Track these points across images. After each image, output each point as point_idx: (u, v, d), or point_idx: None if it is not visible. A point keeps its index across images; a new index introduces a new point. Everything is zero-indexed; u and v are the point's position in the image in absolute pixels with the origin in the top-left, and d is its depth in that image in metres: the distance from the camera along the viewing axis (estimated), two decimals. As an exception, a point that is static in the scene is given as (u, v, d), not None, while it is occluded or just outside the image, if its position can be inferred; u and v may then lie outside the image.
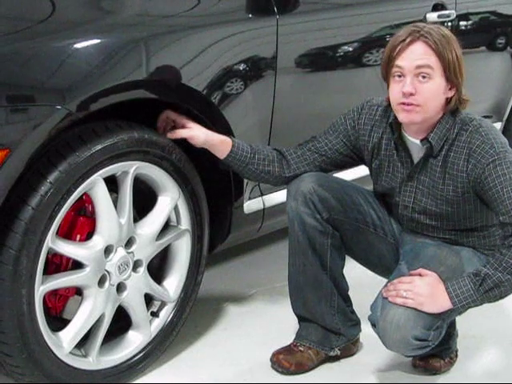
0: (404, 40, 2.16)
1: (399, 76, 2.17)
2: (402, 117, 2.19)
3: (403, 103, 2.16)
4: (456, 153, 2.20)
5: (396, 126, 2.26)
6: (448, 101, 2.20)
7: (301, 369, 2.42)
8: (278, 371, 2.41)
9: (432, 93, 2.16)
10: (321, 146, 2.40)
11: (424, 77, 2.15)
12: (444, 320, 2.21)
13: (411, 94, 2.14)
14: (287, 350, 2.45)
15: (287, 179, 2.39)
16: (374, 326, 2.24)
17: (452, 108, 2.21)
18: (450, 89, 2.18)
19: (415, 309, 2.16)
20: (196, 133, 2.29)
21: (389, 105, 2.26)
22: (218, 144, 2.34)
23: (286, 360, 2.42)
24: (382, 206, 2.44)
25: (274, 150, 2.42)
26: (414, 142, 2.25)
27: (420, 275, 2.22)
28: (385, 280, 2.37)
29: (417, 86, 2.15)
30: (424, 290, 2.17)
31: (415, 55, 2.15)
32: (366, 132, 2.35)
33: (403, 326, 2.15)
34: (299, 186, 2.33)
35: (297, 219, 2.33)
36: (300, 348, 2.45)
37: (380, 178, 2.37)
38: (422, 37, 2.15)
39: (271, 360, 2.44)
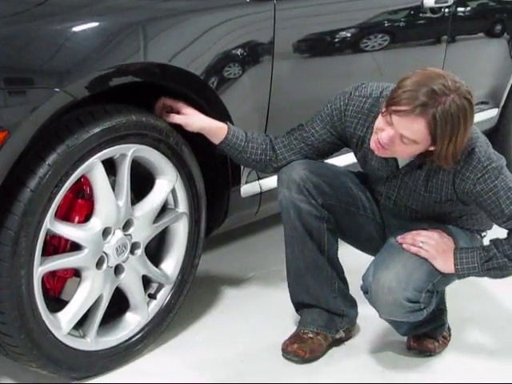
0: (414, 106, 2.03)
1: (388, 120, 2.10)
2: (372, 146, 2.19)
3: (379, 141, 2.14)
4: (441, 166, 2.19)
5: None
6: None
7: (313, 355, 2.44)
8: (292, 361, 2.42)
9: (405, 152, 2.15)
10: (307, 135, 2.40)
11: (405, 143, 2.10)
12: (434, 285, 2.27)
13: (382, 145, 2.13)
14: (298, 339, 2.46)
15: (275, 169, 2.41)
16: (366, 293, 2.29)
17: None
18: (433, 145, 2.10)
19: (408, 270, 2.23)
20: (191, 120, 2.31)
21: (379, 96, 2.27)
22: (215, 131, 2.36)
23: (300, 349, 2.42)
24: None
25: (267, 137, 2.44)
26: None
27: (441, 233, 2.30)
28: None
29: (395, 143, 2.11)
30: (439, 246, 2.26)
31: (409, 126, 2.06)
32: (352, 124, 2.34)
33: (395, 288, 2.21)
34: (291, 174, 2.34)
35: (292, 207, 2.35)
36: (309, 335, 2.46)
37: (365, 168, 2.41)
38: (429, 115, 2.02)
39: (284, 350, 2.44)
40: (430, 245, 2.26)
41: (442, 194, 2.26)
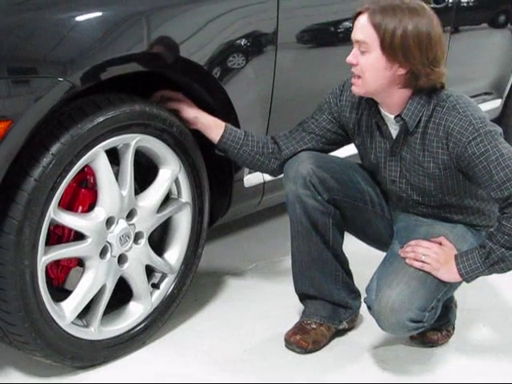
0: (357, 12, 2.16)
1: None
2: (351, 87, 2.24)
3: (352, 73, 2.20)
4: (433, 130, 2.19)
5: (373, 103, 2.27)
6: (406, 77, 2.15)
7: (316, 346, 2.44)
8: (295, 351, 2.42)
9: (367, 67, 2.15)
10: (308, 124, 2.42)
11: (362, 51, 2.14)
12: (439, 300, 2.25)
13: (353, 65, 2.17)
14: (301, 329, 2.46)
15: (278, 164, 2.41)
16: (369, 308, 2.28)
17: (421, 86, 2.16)
18: (400, 66, 2.12)
19: (412, 289, 2.20)
20: (186, 106, 2.32)
21: None
22: (211, 124, 2.36)
23: (303, 340, 2.42)
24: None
25: (267, 135, 2.46)
26: (390, 117, 2.25)
27: (440, 244, 2.27)
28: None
29: (358, 57, 2.16)
30: (441, 257, 2.23)
31: (357, 28, 2.15)
32: (347, 109, 2.36)
33: (398, 309, 2.19)
34: (298, 168, 2.34)
35: (298, 202, 2.34)
36: (312, 326, 2.46)
37: (365, 155, 2.39)
38: (368, 9, 2.12)
39: (287, 341, 2.44)
40: (432, 258, 2.22)
41: (440, 162, 2.21)
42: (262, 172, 2.52)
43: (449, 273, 2.22)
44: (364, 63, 2.15)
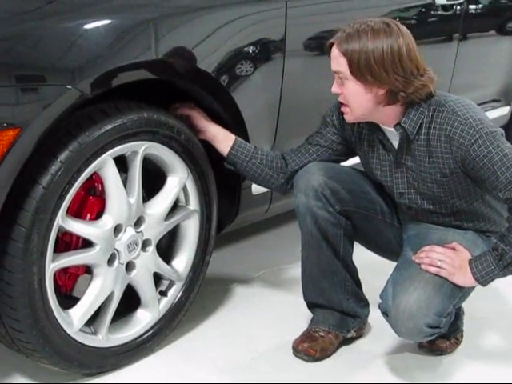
0: (329, 44, 2.21)
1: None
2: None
3: (340, 102, 2.24)
4: (435, 135, 2.19)
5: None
6: (387, 96, 2.15)
7: (324, 354, 2.44)
8: (303, 359, 2.42)
9: (350, 94, 2.18)
10: (313, 138, 2.43)
11: (342, 80, 2.18)
12: (454, 306, 2.26)
13: (338, 94, 2.22)
14: (309, 337, 2.46)
15: (286, 178, 2.42)
16: (385, 314, 2.26)
17: (408, 99, 2.16)
18: (377, 87, 2.14)
19: (429, 295, 2.19)
20: (197, 115, 2.34)
21: None
22: (221, 136, 2.38)
23: (311, 348, 2.42)
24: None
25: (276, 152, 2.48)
26: (390, 130, 2.26)
27: (454, 249, 2.27)
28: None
29: (340, 86, 2.20)
30: (456, 262, 2.23)
31: (332, 60, 2.20)
32: (350, 123, 2.36)
33: (416, 315, 2.18)
34: (309, 180, 2.33)
35: (309, 213, 2.34)
36: (320, 333, 2.46)
37: (370, 169, 2.39)
38: (337, 39, 2.17)
39: (294, 349, 2.44)
40: (447, 263, 2.23)
41: (446, 167, 2.20)
42: (270, 188, 2.51)
43: (464, 277, 2.22)
44: (346, 92, 2.19)
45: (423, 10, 3.09)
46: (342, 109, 2.24)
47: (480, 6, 3.47)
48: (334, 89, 2.22)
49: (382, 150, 2.31)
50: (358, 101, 2.18)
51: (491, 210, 2.34)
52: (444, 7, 3.16)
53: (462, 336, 2.53)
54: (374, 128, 2.30)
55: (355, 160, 2.63)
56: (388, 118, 2.22)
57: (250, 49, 2.41)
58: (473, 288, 2.31)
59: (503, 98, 3.83)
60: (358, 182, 2.41)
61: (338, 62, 2.17)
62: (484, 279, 2.21)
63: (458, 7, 3.25)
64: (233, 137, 2.39)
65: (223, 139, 2.39)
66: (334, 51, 2.18)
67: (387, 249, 2.49)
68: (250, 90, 2.45)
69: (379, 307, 2.29)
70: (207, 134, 2.37)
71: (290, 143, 2.60)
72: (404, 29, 2.16)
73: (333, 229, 2.35)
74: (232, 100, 2.39)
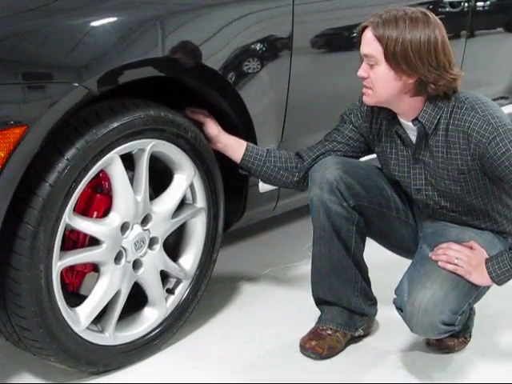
0: (362, 27, 2.19)
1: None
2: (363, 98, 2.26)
3: (363, 85, 2.22)
4: (454, 131, 2.19)
5: (391, 112, 2.27)
6: (416, 86, 2.15)
7: (332, 353, 2.43)
8: (310, 357, 2.41)
9: (378, 79, 2.17)
10: (330, 135, 2.43)
11: (371, 64, 2.16)
12: (470, 304, 2.26)
13: (364, 78, 2.19)
14: (316, 335, 2.45)
15: (302, 175, 2.41)
16: (400, 309, 2.26)
17: (433, 92, 2.16)
18: (407, 76, 2.13)
19: (445, 291, 2.19)
20: (210, 123, 2.35)
21: None
22: (232, 144, 2.38)
23: (319, 346, 2.42)
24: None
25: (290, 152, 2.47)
26: (409, 125, 2.25)
27: (471, 248, 2.27)
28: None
29: (368, 70, 2.18)
30: (473, 261, 2.23)
31: (363, 42, 2.18)
32: (368, 119, 2.36)
33: (431, 311, 2.18)
34: (324, 173, 2.33)
35: (322, 207, 2.33)
36: (328, 332, 2.45)
37: (387, 166, 2.38)
38: (372, 23, 2.15)
39: (302, 347, 2.43)
40: (464, 261, 2.22)
41: (464, 164, 2.20)
42: (287, 187, 2.50)
43: (481, 276, 2.22)
44: (374, 76, 2.17)
45: (431, 7, 3.08)
46: (364, 90, 2.21)
47: (488, 3, 3.45)
48: (362, 72, 2.19)
49: (401, 146, 2.31)
50: (386, 87, 2.16)
51: (508, 211, 2.34)
52: (452, 4, 3.16)
53: (470, 335, 2.52)
54: (393, 122, 2.29)
55: (371, 156, 2.64)
56: (409, 109, 2.21)
57: (257, 46, 2.40)
58: (488, 287, 2.31)
59: (511, 95, 3.81)
60: (374, 178, 2.41)
61: (371, 46, 2.14)
62: (500, 278, 2.21)
63: (466, 4, 3.24)
64: (244, 143, 2.39)
65: (235, 147, 2.39)
66: (368, 34, 2.15)
67: (400, 246, 2.49)
68: (256, 87, 2.44)
69: (394, 302, 2.28)
70: (218, 144, 2.37)
71: (296, 140, 2.60)
72: (440, 21, 2.16)
73: (346, 224, 2.35)
74: (239, 97, 2.38)
